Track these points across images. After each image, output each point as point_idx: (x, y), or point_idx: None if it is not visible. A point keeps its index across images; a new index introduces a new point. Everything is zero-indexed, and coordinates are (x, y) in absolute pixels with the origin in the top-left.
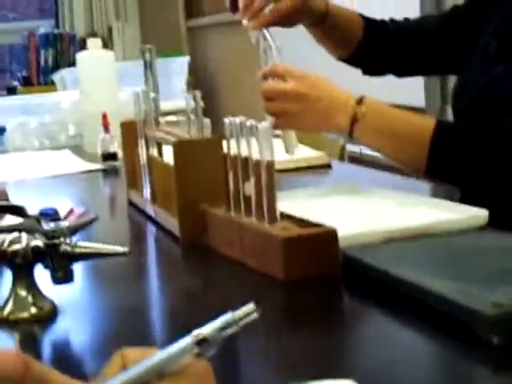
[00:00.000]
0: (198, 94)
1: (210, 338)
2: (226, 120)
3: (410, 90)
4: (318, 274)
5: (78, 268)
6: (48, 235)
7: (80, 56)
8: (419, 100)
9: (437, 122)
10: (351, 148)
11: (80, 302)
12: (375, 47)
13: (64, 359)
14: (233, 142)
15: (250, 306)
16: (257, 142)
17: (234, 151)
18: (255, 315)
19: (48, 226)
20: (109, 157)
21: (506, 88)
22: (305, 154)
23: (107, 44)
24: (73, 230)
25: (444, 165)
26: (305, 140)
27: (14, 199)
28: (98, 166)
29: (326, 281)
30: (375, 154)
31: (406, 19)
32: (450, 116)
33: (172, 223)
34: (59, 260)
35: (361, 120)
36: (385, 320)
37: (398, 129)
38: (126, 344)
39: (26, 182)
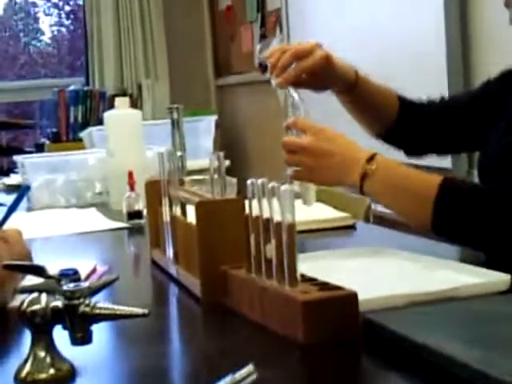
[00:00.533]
0: (222, 154)
1: None
2: (248, 181)
3: None
4: (338, 338)
5: (98, 328)
6: (67, 296)
7: (108, 114)
8: (446, 162)
9: (443, 179)
10: (378, 207)
11: (99, 363)
12: (410, 127)
13: None
14: (255, 203)
15: (249, 368)
16: (278, 204)
17: (255, 212)
18: (254, 376)
19: (68, 286)
20: (134, 215)
21: None
22: (329, 214)
23: (136, 101)
24: (92, 291)
25: (448, 223)
26: (330, 200)
27: (38, 258)
28: (123, 224)
29: (345, 345)
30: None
31: (442, 98)
32: (476, 179)
33: (194, 284)
34: (78, 321)
35: (371, 176)
36: None
37: (404, 184)
38: None
39: (51, 239)
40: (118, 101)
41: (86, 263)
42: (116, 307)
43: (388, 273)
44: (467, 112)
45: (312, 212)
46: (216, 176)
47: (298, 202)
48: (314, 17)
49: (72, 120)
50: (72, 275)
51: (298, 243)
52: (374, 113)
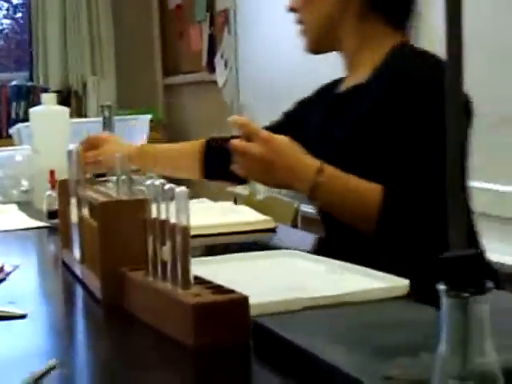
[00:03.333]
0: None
1: None
2: (147, 182)
3: None
4: (229, 342)
5: None
6: None
7: (33, 110)
8: None
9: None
10: (306, 209)
11: None
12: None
13: None
14: (155, 205)
15: (51, 363)
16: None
17: (154, 214)
18: (55, 370)
19: None
20: (54, 214)
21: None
22: (250, 217)
23: (81, 99)
24: None
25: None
26: (257, 202)
27: None
28: (43, 223)
29: (236, 349)
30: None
31: None
32: None
33: (95, 285)
34: None
35: (320, 187)
36: None
37: (349, 192)
38: None
39: None
40: (45, 97)
41: None
42: None
43: (292, 276)
44: None
45: (234, 215)
46: (123, 176)
47: (222, 204)
48: (263, 17)
49: (14, 116)
50: None
51: (215, 246)
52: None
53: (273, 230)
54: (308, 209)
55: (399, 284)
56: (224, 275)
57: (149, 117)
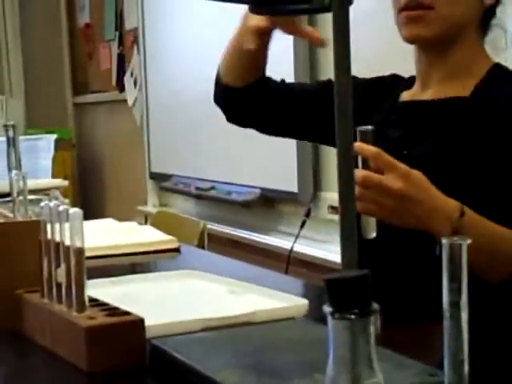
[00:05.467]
0: (25, 175)
1: None
2: (42, 203)
3: (284, 176)
4: (125, 364)
5: None
6: None
7: None
8: (292, 186)
9: None
10: (213, 227)
11: None
12: (252, 97)
13: None
14: (49, 227)
15: None
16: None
17: (49, 236)
18: None
19: None
20: None
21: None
22: (153, 237)
23: None
24: None
25: None
26: (164, 222)
27: None
28: None
29: (132, 371)
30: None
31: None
32: (324, 202)
33: None
34: None
35: (463, 229)
36: None
37: (492, 241)
38: None
39: None
40: None
41: None
42: None
43: (192, 296)
44: (310, 100)
45: (137, 235)
46: (20, 197)
47: (126, 224)
48: (171, 35)
49: None
50: None
51: (118, 266)
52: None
53: (177, 250)
54: (215, 227)
55: (298, 304)
56: (122, 297)
57: (54, 136)
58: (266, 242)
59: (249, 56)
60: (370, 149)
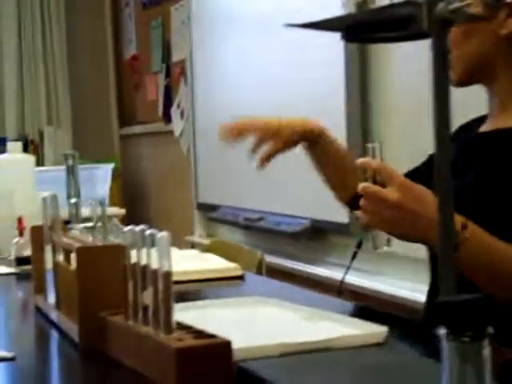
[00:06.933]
0: (104, 201)
1: None
2: (126, 228)
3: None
4: None
5: None
6: None
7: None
8: (342, 218)
9: None
10: (270, 259)
11: None
12: None
13: None
14: (134, 251)
15: None
16: (156, 251)
17: (134, 259)
18: None
19: None
20: (23, 261)
21: (475, 196)
22: (218, 264)
23: (38, 148)
24: None
25: None
26: (222, 250)
27: None
28: (11, 269)
29: None
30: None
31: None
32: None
33: (73, 329)
34: None
35: (465, 243)
36: None
37: (494, 256)
38: None
39: None
40: (11, 145)
41: None
42: None
43: (268, 322)
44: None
45: (201, 262)
46: (99, 223)
47: (189, 252)
48: (219, 67)
49: None
50: None
51: (187, 292)
52: (340, 176)
53: (241, 278)
54: (271, 259)
55: (377, 330)
56: (200, 321)
57: (112, 165)
58: (316, 273)
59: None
60: (372, 162)
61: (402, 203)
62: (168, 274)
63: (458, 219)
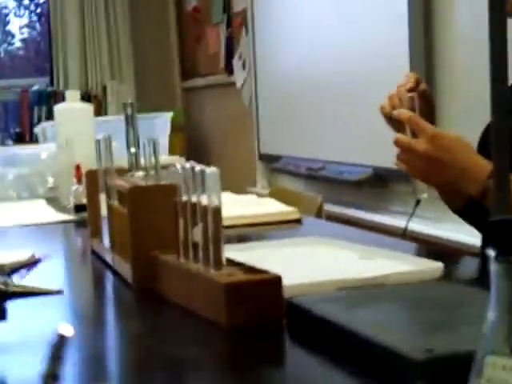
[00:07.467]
0: (157, 144)
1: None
2: (177, 166)
3: None
4: (262, 321)
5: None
6: None
7: (58, 108)
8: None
9: None
10: (330, 208)
11: (24, 339)
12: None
13: None
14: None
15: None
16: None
17: (184, 197)
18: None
19: None
20: (81, 208)
21: None
22: (275, 208)
23: (101, 103)
24: (11, 270)
25: None
26: (282, 197)
27: None
28: (70, 216)
29: (269, 328)
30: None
31: None
32: None
33: (126, 269)
34: None
35: (490, 192)
36: (327, 368)
37: None
38: None
39: None
40: (69, 94)
41: (23, 252)
42: (31, 285)
43: (323, 260)
44: None
45: (259, 206)
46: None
47: (247, 197)
48: (280, 17)
49: (36, 120)
50: None
51: (244, 235)
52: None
53: (298, 221)
54: (327, 207)
55: (433, 266)
56: (254, 260)
57: (170, 114)
58: (378, 221)
59: None
60: (404, 113)
61: (429, 153)
62: (217, 210)
63: (487, 166)
